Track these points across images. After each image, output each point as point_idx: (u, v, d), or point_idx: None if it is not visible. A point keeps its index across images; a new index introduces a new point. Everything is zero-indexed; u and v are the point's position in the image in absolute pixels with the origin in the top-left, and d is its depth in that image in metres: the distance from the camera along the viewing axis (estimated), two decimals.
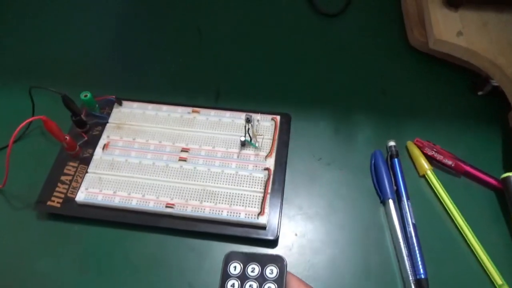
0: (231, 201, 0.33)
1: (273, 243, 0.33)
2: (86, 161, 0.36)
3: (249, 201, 0.33)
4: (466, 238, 0.33)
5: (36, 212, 0.34)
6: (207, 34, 0.47)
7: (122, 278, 0.32)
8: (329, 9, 0.48)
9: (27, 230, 0.34)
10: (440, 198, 0.35)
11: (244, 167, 0.35)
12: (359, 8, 0.49)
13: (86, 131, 0.38)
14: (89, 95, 0.37)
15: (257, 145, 0.36)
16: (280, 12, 0.48)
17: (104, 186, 0.34)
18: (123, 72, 0.44)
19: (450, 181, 0.36)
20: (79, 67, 0.44)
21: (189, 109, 0.39)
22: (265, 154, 0.36)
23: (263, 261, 0.24)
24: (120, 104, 0.39)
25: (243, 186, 0.34)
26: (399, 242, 0.32)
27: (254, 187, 0.34)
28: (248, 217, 0.33)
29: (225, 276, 0.23)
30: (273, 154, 0.36)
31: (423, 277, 0.31)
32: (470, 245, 0.33)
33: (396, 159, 0.36)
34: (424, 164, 0.36)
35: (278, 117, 0.38)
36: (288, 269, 0.24)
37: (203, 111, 0.39)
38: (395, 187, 0.35)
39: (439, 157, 0.36)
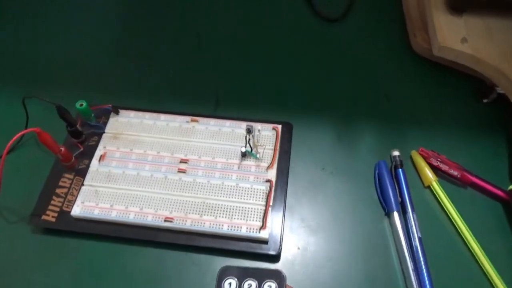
0: (232, 215, 0.32)
1: (275, 258, 0.32)
2: (82, 173, 0.35)
3: (250, 214, 0.33)
4: (472, 251, 0.32)
5: (31, 226, 0.33)
6: (206, 39, 0.45)
7: None
8: (330, 14, 0.47)
9: (21, 244, 0.33)
10: (446, 210, 0.34)
11: (245, 178, 0.34)
12: (360, 12, 0.48)
13: (82, 141, 0.37)
14: (84, 104, 0.36)
15: (258, 156, 0.35)
16: (281, 16, 0.47)
17: (101, 199, 0.33)
18: (120, 78, 0.42)
19: (456, 192, 0.35)
20: (74, 74, 0.43)
21: (188, 118, 0.38)
22: (266, 165, 0.35)
23: (261, 276, 0.22)
24: (117, 113, 0.38)
25: (244, 199, 0.33)
26: (405, 257, 0.31)
27: (256, 200, 0.33)
28: (250, 232, 0.32)
29: None
30: (275, 165, 0.35)
31: None
32: (477, 258, 0.32)
33: (400, 170, 0.35)
34: (429, 175, 0.35)
35: (279, 127, 0.37)
36: (288, 283, 0.22)
37: (202, 120, 0.38)
38: (399, 199, 0.34)
39: (444, 167, 0.35)
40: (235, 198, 0.33)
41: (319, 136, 0.39)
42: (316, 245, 0.33)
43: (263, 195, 0.33)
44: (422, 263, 0.31)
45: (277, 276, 0.23)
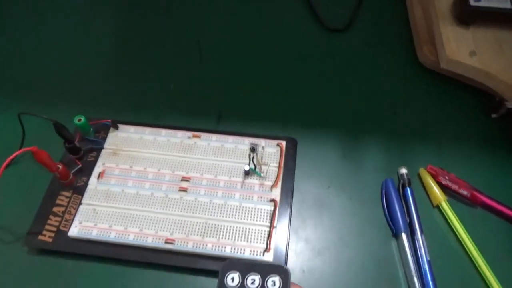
0: (235, 236, 0.31)
1: None
2: (80, 191, 0.34)
3: (254, 236, 0.31)
4: (483, 275, 0.31)
5: (27, 247, 0.32)
6: (207, 52, 0.44)
7: None
8: (335, 24, 0.46)
9: (16, 265, 0.32)
10: (455, 231, 0.33)
11: (248, 198, 0.33)
12: (365, 23, 0.47)
13: (80, 157, 0.36)
14: (83, 119, 0.35)
15: (262, 174, 0.34)
16: (284, 27, 0.46)
17: (99, 219, 0.32)
18: (120, 92, 0.41)
19: (466, 212, 0.34)
20: (72, 87, 0.42)
21: (190, 133, 0.37)
22: (270, 183, 0.34)
23: (265, 271, 0.21)
24: (116, 128, 0.37)
25: (247, 220, 0.32)
26: (414, 282, 0.30)
27: (259, 221, 0.32)
28: (253, 254, 0.31)
29: None
30: (279, 184, 0.34)
31: None
32: (488, 283, 0.31)
33: (408, 188, 0.34)
34: (438, 195, 0.34)
35: (283, 143, 0.36)
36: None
37: (204, 135, 0.36)
38: (408, 219, 0.33)
39: (453, 186, 0.34)
40: (238, 218, 0.32)
41: (324, 152, 0.38)
42: (322, 268, 0.32)
43: (267, 216, 0.32)
44: (431, 287, 0.30)
45: (282, 271, 0.22)
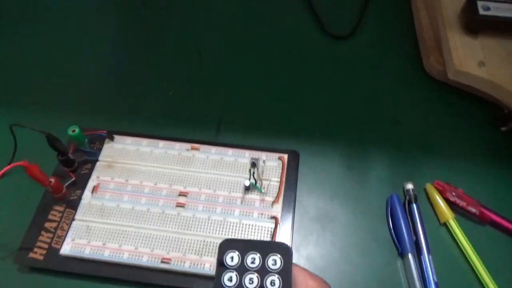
0: None
1: None
2: (73, 205, 0.33)
3: None
4: None
5: (17, 265, 0.31)
6: (208, 59, 0.43)
7: None
8: (339, 31, 0.44)
9: (6, 283, 0.31)
10: (464, 250, 0.32)
11: (248, 215, 0.32)
12: (369, 30, 0.45)
13: (74, 169, 0.34)
14: (77, 130, 0.34)
15: (263, 190, 0.33)
16: (287, 35, 0.45)
17: (93, 236, 0.31)
18: (116, 101, 0.40)
19: (474, 230, 0.33)
20: (67, 96, 0.40)
21: (188, 145, 0.35)
22: (271, 199, 0.32)
23: (265, 250, 0.20)
24: (112, 139, 0.35)
25: (247, 238, 0.31)
26: None
27: (260, 239, 0.31)
28: None
29: (221, 268, 0.20)
30: (281, 199, 0.32)
31: None
32: None
33: (414, 205, 0.33)
34: (446, 212, 0.33)
35: (285, 156, 0.34)
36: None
37: (203, 147, 0.35)
38: (414, 237, 0.32)
39: (461, 203, 0.33)
40: (238, 236, 0.31)
41: (327, 165, 0.36)
42: None
43: (268, 234, 0.31)
44: None
45: (283, 250, 0.21)
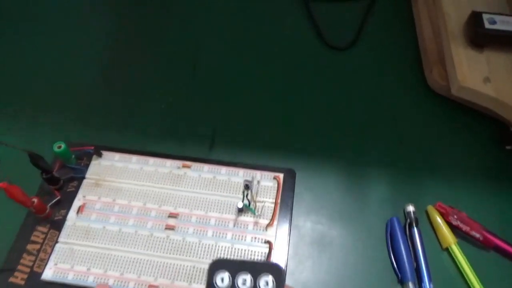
0: None
1: None
2: (58, 226, 0.31)
3: None
4: None
5: None
6: (203, 72, 0.41)
7: None
8: (339, 42, 0.43)
9: None
10: (466, 278, 0.30)
11: (241, 238, 0.30)
12: (370, 42, 0.43)
13: (60, 187, 0.33)
14: (63, 146, 0.32)
15: (257, 212, 0.31)
16: (285, 47, 0.43)
17: (77, 260, 0.29)
18: (105, 115, 0.38)
19: (478, 255, 0.31)
20: (53, 107, 0.38)
21: (179, 162, 0.34)
22: (265, 222, 0.31)
23: (256, 270, 0.20)
24: (100, 155, 0.34)
25: None
26: None
27: None
28: None
29: None
30: (275, 223, 0.31)
31: None
32: None
33: (415, 229, 0.32)
34: (448, 237, 0.31)
35: (281, 176, 0.33)
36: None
37: (195, 165, 0.34)
38: (414, 264, 0.30)
39: (465, 228, 0.32)
40: None
41: (325, 185, 0.35)
42: None
43: (261, 259, 0.30)
44: None
45: (275, 270, 0.20)
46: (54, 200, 0.32)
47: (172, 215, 0.31)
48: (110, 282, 0.28)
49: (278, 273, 0.20)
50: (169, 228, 0.31)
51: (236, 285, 0.20)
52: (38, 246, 0.30)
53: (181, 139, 0.37)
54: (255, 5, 0.46)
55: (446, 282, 0.30)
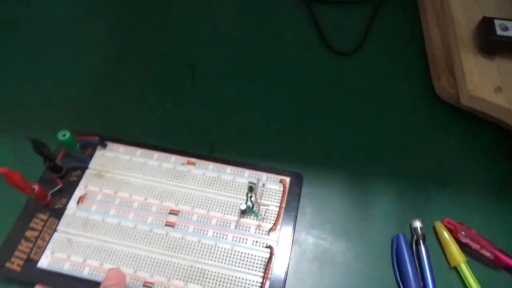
0: (223, 286, 0.28)
1: None
2: (58, 214, 0.31)
3: (244, 287, 0.28)
4: None
5: None
6: (202, 72, 0.39)
7: None
8: (344, 47, 0.41)
9: None
10: None
11: (242, 241, 0.29)
12: (375, 48, 0.41)
13: (62, 175, 0.32)
14: (68, 134, 0.32)
15: (260, 215, 0.30)
16: (288, 49, 0.41)
17: (74, 250, 0.29)
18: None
19: (488, 275, 0.30)
20: (54, 105, 0.37)
21: (184, 159, 0.33)
22: (268, 226, 0.30)
23: None
24: (104, 146, 0.33)
25: (238, 267, 0.28)
26: None
27: (252, 270, 0.28)
28: None
29: None
30: (278, 228, 0.30)
31: None
32: None
33: (423, 246, 0.30)
34: (457, 255, 0.30)
35: (287, 179, 0.32)
36: None
37: (200, 163, 0.33)
38: (421, 283, 0.29)
39: (474, 246, 0.30)
40: (228, 264, 0.28)
41: (328, 198, 0.33)
42: None
43: (261, 265, 0.28)
44: None
45: None
46: (56, 188, 0.32)
47: (173, 212, 0.30)
48: None
49: None
50: (169, 225, 0.30)
51: None
52: (36, 233, 0.30)
53: (184, 139, 0.35)
54: (256, 8, 0.44)
55: None
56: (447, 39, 0.37)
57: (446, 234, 0.31)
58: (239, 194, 0.31)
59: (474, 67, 0.34)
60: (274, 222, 0.30)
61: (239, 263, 0.29)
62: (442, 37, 0.39)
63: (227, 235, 0.30)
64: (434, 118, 0.37)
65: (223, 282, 0.28)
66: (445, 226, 0.31)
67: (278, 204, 0.31)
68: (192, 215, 0.30)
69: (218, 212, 0.31)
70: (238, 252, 0.29)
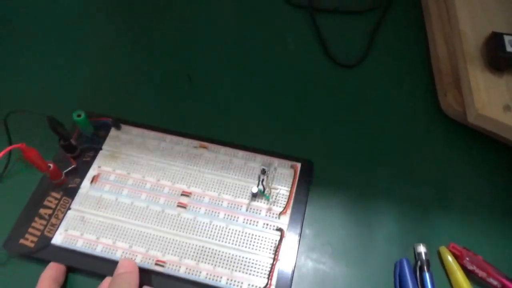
0: (233, 266, 0.28)
1: None
2: (71, 193, 0.31)
3: (255, 268, 0.28)
4: None
5: (6, 250, 0.30)
6: (198, 82, 0.38)
7: None
8: (346, 59, 0.39)
9: None
10: None
11: (253, 223, 0.30)
12: (380, 60, 0.40)
13: (76, 156, 0.33)
14: (83, 115, 0.32)
15: (271, 198, 0.30)
16: (289, 59, 0.40)
17: (87, 228, 0.29)
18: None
19: None
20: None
21: (197, 142, 0.33)
22: (279, 209, 0.30)
23: None
24: (118, 128, 0.34)
25: (249, 248, 0.29)
26: None
27: (263, 251, 0.29)
28: None
29: None
30: (289, 211, 0.30)
31: None
32: None
33: (427, 273, 0.29)
34: (462, 282, 0.28)
35: (298, 165, 0.32)
36: None
37: (212, 147, 0.33)
38: None
39: (481, 274, 0.29)
40: (239, 245, 0.29)
41: (330, 218, 0.31)
42: None
43: (271, 246, 0.29)
44: None
45: None
46: (70, 168, 0.32)
47: (185, 194, 0.31)
48: (118, 253, 0.28)
49: None
50: (181, 206, 0.30)
51: None
52: (50, 211, 0.30)
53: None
54: (257, 19, 0.43)
55: None
56: (454, 53, 0.36)
57: (451, 260, 0.30)
58: (250, 178, 0.32)
59: (482, 84, 0.32)
60: (284, 206, 0.30)
61: (250, 244, 0.29)
62: (448, 50, 0.38)
63: (238, 217, 0.30)
64: (439, 135, 0.36)
65: (234, 262, 0.28)
66: (450, 251, 0.30)
67: (289, 189, 0.31)
68: (204, 197, 0.31)
69: (229, 195, 0.31)
70: (249, 234, 0.29)
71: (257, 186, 0.30)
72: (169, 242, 0.29)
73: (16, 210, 0.31)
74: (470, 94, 0.32)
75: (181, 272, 0.28)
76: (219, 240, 0.29)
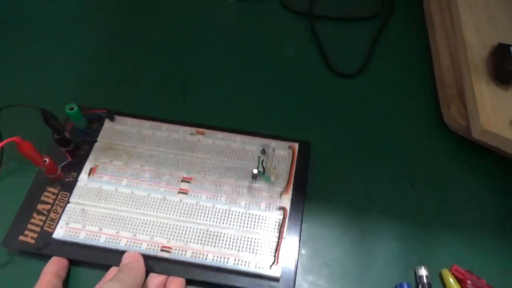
0: (239, 247, 0.28)
1: None
2: (69, 187, 0.31)
3: (261, 247, 0.28)
4: None
5: (5, 247, 0.29)
6: (192, 91, 0.37)
7: None
8: (346, 69, 0.38)
9: None
10: None
11: (255, 204, 0.30)
12: (381, 70, 0.39)
13: (71, 150, 0.32)
14: (75, 108, 0.32)
15: (272, 179, 0.31)
16: (288, 70, 0.39)
17: (88, 220, 0.29)
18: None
19: None
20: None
21: (193, 129, 0.33)
22: (280, 189, 0.31)
23: None
24: (112, 119, 0.33)
25: (253, 229, 0.29)
26: None
27: (267, 231, 0.29)
28: (259, 268, 0.27)
29: None
30: (290, 190, 0.31)
31: None
32: None
33: None
34: None
35: (296, 145, 0.33)
36: None
37: (209, 132, 0.33)
38: None
39: None
40: (243, 227, 0.29)
41: (328, 237, 0.30)
42: None
43: (275, 225, 0.29)
44: None
45: None
46: (65, 162, 0.32)
47: (185, 180, 0.31)
48: (122, 243, 0.28)
49: None
50: (182, 192, 0.30)
51: None
52: (48, 207, 0.30)
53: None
54: (256, 27, 0.42)
55: None
56: (458, 64, 0.35)
57: (453, 283, 0.28)
58: (249, 161, 0.32)
59: (487, 97, 0.31)
60: (285, 186, 0.31)
61: (254, 225, 0.29)
62: (452, 61, 0.37)
63: (240, 200, 0.30)
64: (442, 149, 0.35)
65: (239, 243, 0.28)
66: (453, 274, 0.29)
67: (289, 169, 0.32)
68: (204, 182, 0.31)
69: (230, 178, 0.31)
70: (252, 215, 0.29)
71: (257, 168, 0.30)
72: (173, 228, 0.29)
73: (13, 207, 0.30)
74: (475, 108, 0.31)
75: (188, 257, 0.28)
76: (223, 223, 0.29)
